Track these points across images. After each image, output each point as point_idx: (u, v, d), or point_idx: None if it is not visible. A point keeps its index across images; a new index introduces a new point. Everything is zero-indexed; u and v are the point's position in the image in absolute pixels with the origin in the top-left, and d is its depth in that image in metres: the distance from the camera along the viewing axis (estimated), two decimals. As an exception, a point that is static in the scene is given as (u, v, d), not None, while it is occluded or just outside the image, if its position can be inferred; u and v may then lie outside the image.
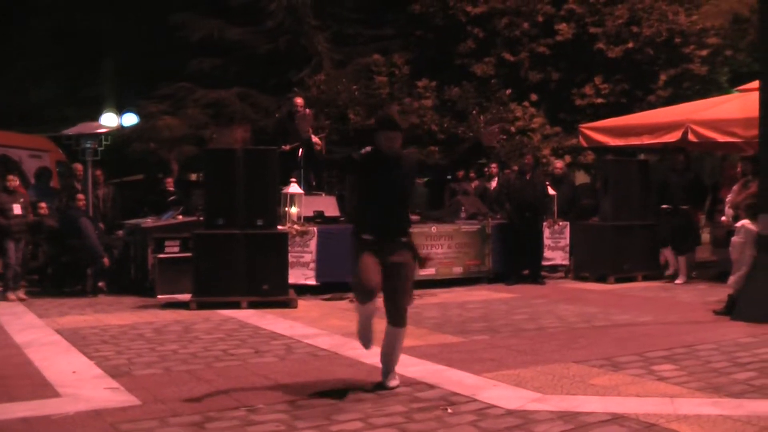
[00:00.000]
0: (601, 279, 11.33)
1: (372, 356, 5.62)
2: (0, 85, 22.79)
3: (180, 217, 11.12)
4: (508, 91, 17.32)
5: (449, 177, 15.41)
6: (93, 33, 22.67)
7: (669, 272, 11.56)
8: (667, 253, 11.63)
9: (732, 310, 8.05)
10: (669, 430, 4.34)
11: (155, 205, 12.72)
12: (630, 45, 16.86)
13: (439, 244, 11.01)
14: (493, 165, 14.33)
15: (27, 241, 10.36)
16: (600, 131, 12.70)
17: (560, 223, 12.11)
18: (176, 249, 10.07)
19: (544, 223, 11.84)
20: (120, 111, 13.62)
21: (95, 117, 13.15)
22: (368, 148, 5.23)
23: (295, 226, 9.89)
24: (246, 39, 21.12)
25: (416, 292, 7.79)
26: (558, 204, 12.20)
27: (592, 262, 11.61)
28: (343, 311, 8.64)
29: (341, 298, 9.47)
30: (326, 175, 13.41)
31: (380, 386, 5.26)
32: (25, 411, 4.76)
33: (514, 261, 11.48)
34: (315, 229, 10.06)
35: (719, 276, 10.45)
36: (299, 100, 11.84)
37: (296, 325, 7.88)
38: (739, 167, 10.67)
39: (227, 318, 8.30)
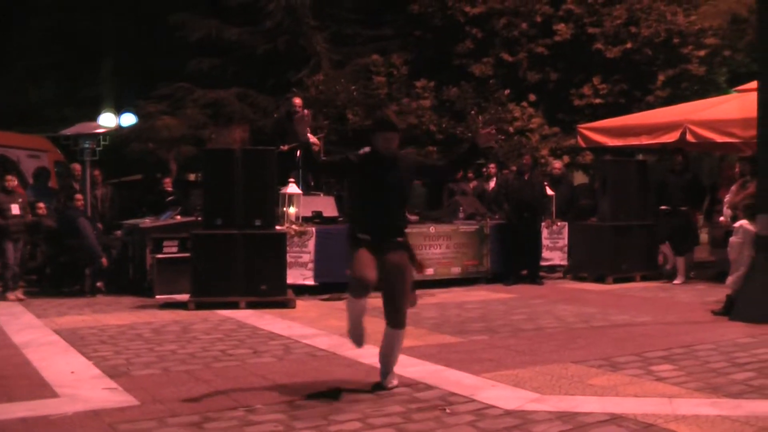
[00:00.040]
0: (600, 279, 11.33)
1: (370, 356, 5.63)
2: (-1, 85, 22.85)
3: (178, 217, 11.11)
4: (507, 92, 17.34)
5: (448, 177, 15.41)
6: (92, 33, 22.70)
7: (668, 267, 11.57)
8: (665, 249, 11.64)
9: (730, 310, 8.06)
10: (667, 431, 4.34)
11: (154, 205, 12.69)
12: (628, 45, 16.89)
13: (437, 244, 11.01)
14: (492, 165, 14.33)
15: (25, 242, 10.37)
16: (598, 131, 12.69)
17: (558, 224, 12.13)
18: (174, 249, 10.06)
19: (543, 224, 11.85)
20: (118, 111, 13.56)
21: (94, 117, 13.11)
22: (366, 149, 5.24)
23: (294, 227, 9.89)
24: (244, 39, 21.14)
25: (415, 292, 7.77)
26: (556, 204, 12.21)
27: (591, 263, 11.61)
28: (342, 311, 8.51)
29: (339, 299, 9.43)
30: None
31: (379, 386, 5.26)
32: (23, 411, 4.75)
33: (512, 261, 11.48)
34: (313, 229, 10.06)
35: (718, 276, 10.44)
36: (298, 101, 11.82)
37: (294, 325, 7.88)
38: (737, 168, 10.66)
39: (225, 318, 8.30)
